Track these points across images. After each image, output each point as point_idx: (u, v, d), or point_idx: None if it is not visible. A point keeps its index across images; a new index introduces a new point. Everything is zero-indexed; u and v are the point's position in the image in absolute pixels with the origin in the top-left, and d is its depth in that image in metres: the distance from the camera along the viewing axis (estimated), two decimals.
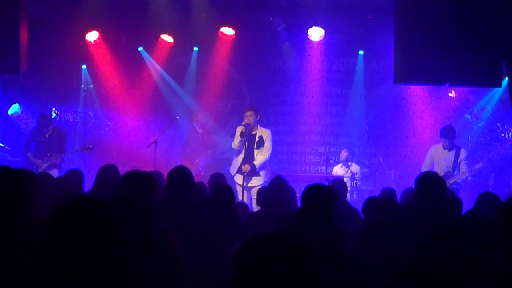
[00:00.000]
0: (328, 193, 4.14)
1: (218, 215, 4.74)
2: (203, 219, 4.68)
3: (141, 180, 4.07)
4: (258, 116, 9.03)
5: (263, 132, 9.02)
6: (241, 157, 8.97)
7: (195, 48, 11.44)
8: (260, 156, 8.93)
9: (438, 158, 9.21)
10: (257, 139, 8.96)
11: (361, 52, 11.00)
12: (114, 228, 1.98)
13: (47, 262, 1.89)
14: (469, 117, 10.74)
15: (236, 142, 9.02)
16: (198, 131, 10.39)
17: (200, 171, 9.98)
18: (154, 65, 11.43)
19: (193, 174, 9.37)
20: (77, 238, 1.90)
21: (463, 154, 9.15)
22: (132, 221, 3.06)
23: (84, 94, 11.51)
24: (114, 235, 1.97)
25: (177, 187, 4.93)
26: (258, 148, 8.94)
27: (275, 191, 5.80)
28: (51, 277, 1.86)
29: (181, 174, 5.05)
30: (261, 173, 8.95)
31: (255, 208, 6.68)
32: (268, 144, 8.97)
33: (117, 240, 1.98)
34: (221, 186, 5.18)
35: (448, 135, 9.08)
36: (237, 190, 8.99)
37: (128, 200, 3.24)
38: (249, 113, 8.89)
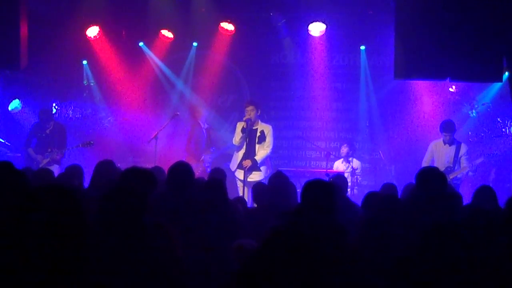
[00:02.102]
0: (328, 188, 4.14)
1: (210, 210, 4.74)
2: (196, 213, 4.69)
3: (140, 176, 4.07)
4: (259, 111, 9.02)
5: (264, 127, 9.02)
6: (241, 152, 8.97)
7: (195, 44, 11.42)
8: (262, 151, 8.93)
9: (438, 153, 9.20)
10: (258, 133, 8.95)
11: (363, 47, 10.98)
12: (81, 217, 1.98)
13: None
14: (471, 113, 10.71)
15: (237, 137, 9.02)
16: (203, 126, 10.35)
17: (207, 167, 9.94)
18: (154, 60, 11.42)
19: (200, 171, 9.40)
20: (49, 225, 1.91)
21: (463, 149, 9.14)
22: (124, 214, 3.05)
23: (86, 89, 11.50)
24: (81, 223, 1.98)
25: (177, 182, 4.92)
26: (259, 143, 8.94)
27: (275, 186, 5.80)
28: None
29: (181, 169, 5.05)
30: (262, 168, 8.95)
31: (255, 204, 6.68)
32: (269, 139, 8.97)
33: (83, 229, 1.99)
34: (213, 181, 5.18)
35: (449, 128, 9.07)
36: (238, 185, 9.00)
37: (120, 193, 3.24)
38: (250, 108, 8.89)
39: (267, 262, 2.04)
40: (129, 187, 3.72)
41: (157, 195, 4.86)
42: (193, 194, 4.90)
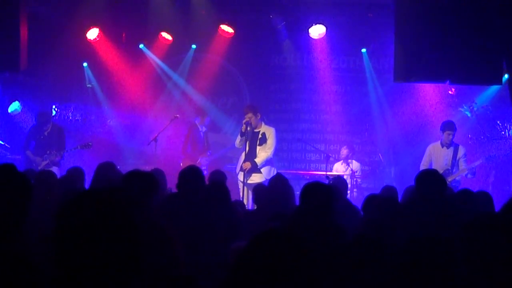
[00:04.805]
0: (326, 190, 4.15)
1: (212, 213, 4.75)
2: (198, 216, 4.70)
3: (142, 179, 4.07)
4: (259, 115, 9.01)
5: (266, 130, 9.01)
6: (244, 155, 8.96)
7: (193, 46, 11.43)
8: (263, 153, 8.90)
9: (436, 156, 9.20)
10: (260, 136, 8.95)
11: (363, 50, 11.00)
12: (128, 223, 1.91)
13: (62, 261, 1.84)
14: (469, 115, 10.72)
15: (237, 140, 9.04)
16: (201, 129, 10.34)
17: (203, 170, 9.93)
18: (154, 63, 11.43)
19: None
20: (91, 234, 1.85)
21: (461, 151, 9.14)
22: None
23: (86, 92, 11.52)
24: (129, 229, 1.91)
25: (188, 186, 4.94)
26: (260, 144, 8.93)
27: (275, 189, 5.81)
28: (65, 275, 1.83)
29: (193, 173, 5.07)
30: (263, 170, 8.89)
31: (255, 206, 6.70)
32: (271, 141, 8.94)
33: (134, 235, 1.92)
34: (215, 184, 5.19)
35: (452, 127, 9.08)
36: (240, 187, 9.00)
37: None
38: (248, 115, 8.89)
39: (252, 262, 2.04)
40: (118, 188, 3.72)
41: (166, 197, 4.90)
42: (198, 196, 4.92)
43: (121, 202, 1.90)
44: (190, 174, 5.04)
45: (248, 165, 8.81)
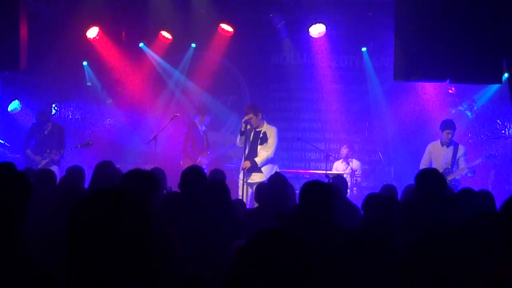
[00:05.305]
0: (326, 189, 4.15)
1: (213, 212, 4.75)
2: (199, 215, 4.70)
3: (143, 179, 4.07)
4: (260, 114, 8.98)
5: (268, 129, 8.99)
6: (245, 153, 8.96)
7: (193, 45, 11.43)
8: (263, 153, 8.88)
9: (436, 155, 9.20)
10: (261, 135, 8.94)
11: (364, 49, 11.00)
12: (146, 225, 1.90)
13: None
14: (468, 113, 10.73)
15: (238, 139, 9.04)
16: (200, 128, 10.34)
17: (203, 169, 9.91)
18: (154, 61, 11.43)
19: None
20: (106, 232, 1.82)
21: (461, 150, 9.14)
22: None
23: (86, 90, 11.52)
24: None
25: (191, 186, 4.94)
26: (261, 144, 8.92)
27: (274, 188, 5.81)
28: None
29: (195, 174, 5.08)
30: (265, 169, 8.86)
31: (256, 204, 6.69)
32: (272, 141, 8.92)
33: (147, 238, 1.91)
34: (215, 183, 5.20)
35: (451, 126, 9.08)
36: (239, 186, 8.99)
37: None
38: (249, 115, 8.87)
39: (252, 260, 2.04)
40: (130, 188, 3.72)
41: (167, 197, 4.89)
42: (199, 195, 4.92)
43: (135, 202, 1.89)
44: (193, 175, 5.04)
45: (247, 164, 8.80)
